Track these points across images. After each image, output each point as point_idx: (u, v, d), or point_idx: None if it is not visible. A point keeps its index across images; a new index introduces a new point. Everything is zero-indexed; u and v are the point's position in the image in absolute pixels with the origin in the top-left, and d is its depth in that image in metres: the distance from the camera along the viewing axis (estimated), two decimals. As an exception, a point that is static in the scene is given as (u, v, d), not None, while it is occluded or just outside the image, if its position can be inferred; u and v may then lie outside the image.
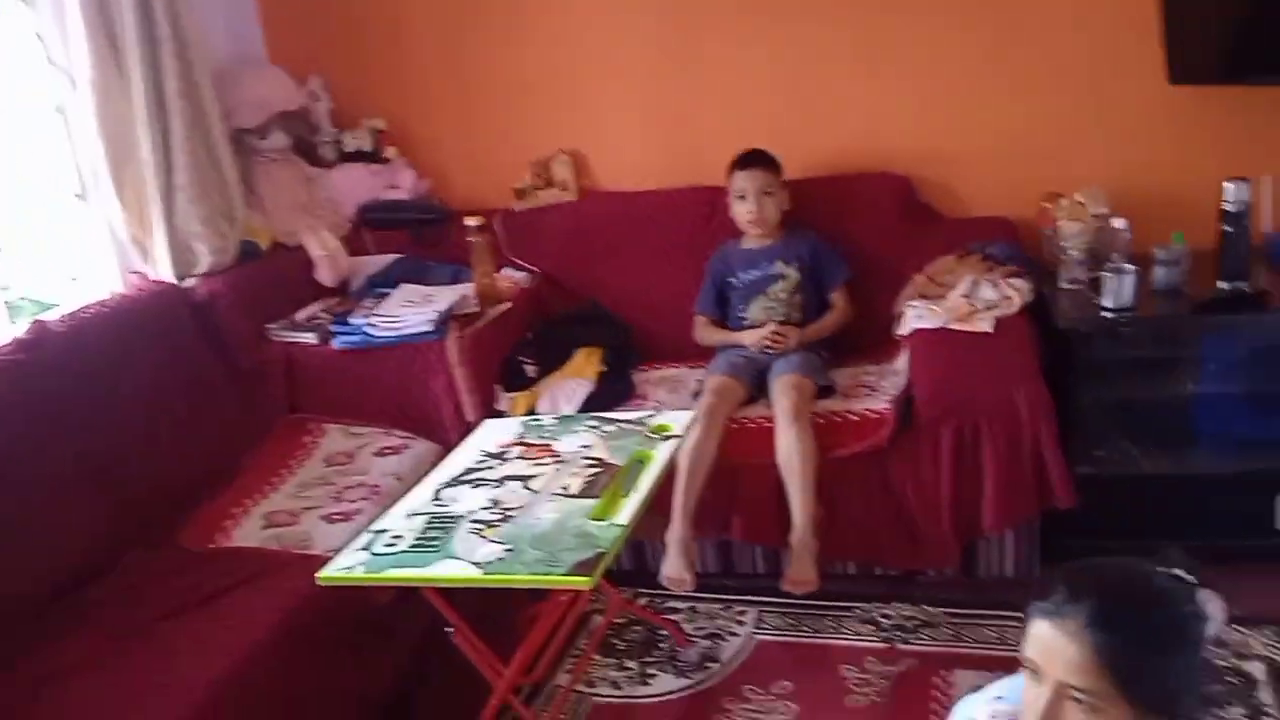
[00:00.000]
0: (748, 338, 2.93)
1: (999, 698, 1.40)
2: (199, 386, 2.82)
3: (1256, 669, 2.23)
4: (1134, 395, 2.88)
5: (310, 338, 2.99)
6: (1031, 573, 2.66)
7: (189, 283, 2.97)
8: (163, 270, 2.95)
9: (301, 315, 3.08)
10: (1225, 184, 2.62)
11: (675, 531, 2.64)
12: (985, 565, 2.70)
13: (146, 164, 2.84)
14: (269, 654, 2.04)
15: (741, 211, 3.00)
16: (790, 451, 2.59)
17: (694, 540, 2.68)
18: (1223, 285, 2.66)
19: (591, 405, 2.80)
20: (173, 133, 2.87)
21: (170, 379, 2.75)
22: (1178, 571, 1.31)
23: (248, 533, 2.45)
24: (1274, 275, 2.77)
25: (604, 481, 2.15)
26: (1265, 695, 2.16)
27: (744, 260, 3.05)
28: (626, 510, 2.03)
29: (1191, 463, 2.79)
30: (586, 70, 3.35)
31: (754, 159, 2.98)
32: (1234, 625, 2.38)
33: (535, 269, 3.33)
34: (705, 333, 3.11)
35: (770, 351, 2.87)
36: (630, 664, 2.53)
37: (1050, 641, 1.21)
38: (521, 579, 1.86)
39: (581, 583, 1.83)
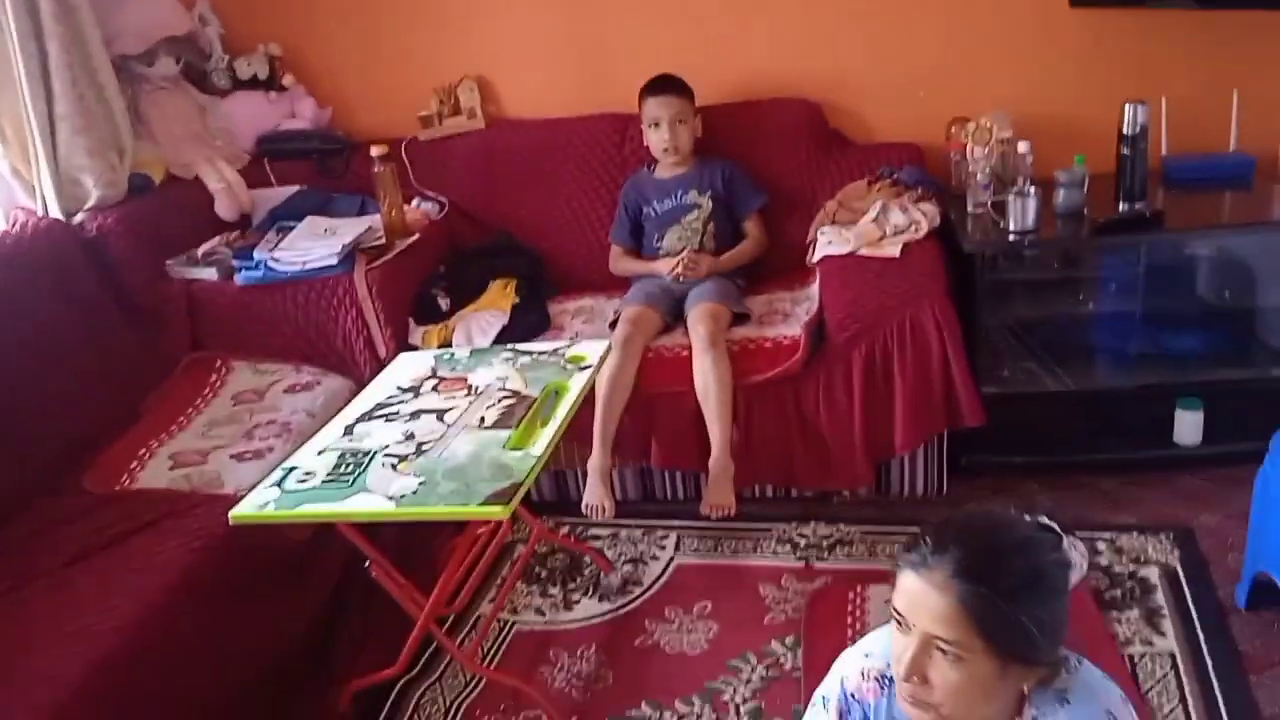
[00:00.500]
0: (662, 267, 2.93)
1: (867, 654, 1.42)
2: (95, 327, 2.70)
3: (1152, 573, 2.34)
4: (1038, 315, 2.98)
5: (211, 274, 2.89)
6: (941, 490, 2.74)
7: (78, 218, 2.84)
8: (50, 206, 2.81)
9: (201, 251, 2.96)
10: (1125, 106, 2.68)
11: (595, 460, 2.65)
12: (898, 484, 2.77)
13: (23, 92, 2.68)
14: (181, 597, 1.99)
15: (655, 140, 2.97)
16: (707, 378, 2.61)
17: (614, 468, 2.70)
18: (1122, 206, 2.72)
19: (506, 337, 2.77)
20: (51, 58, 2.71)
21: (63, 320, 2.63)
22: (1043, 520, 1.34)
23: (155, 474, 2.37)
24: (1171, 196, 2.85)
25: (519, 412, 2.14)
26: (1160, 598, 2.26)
27: (658, 190, 3.03)
28: (542, 440, 2.01)
29: (1093, 379, 2.91)
30: (493, -9, 3.26)
31: (666, 85, 2.94)
32: (1132, 531, 2.48)
33: (444, 199, 3.25)
34: (621, 263, 3.09)
35: (684, 279, 2.86)
36: (554, 591, 2.54)
37: (917, 593, 1.22)
38: (436, 511, 1.84)
39: (497, 513, 1.82)
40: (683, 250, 2.93)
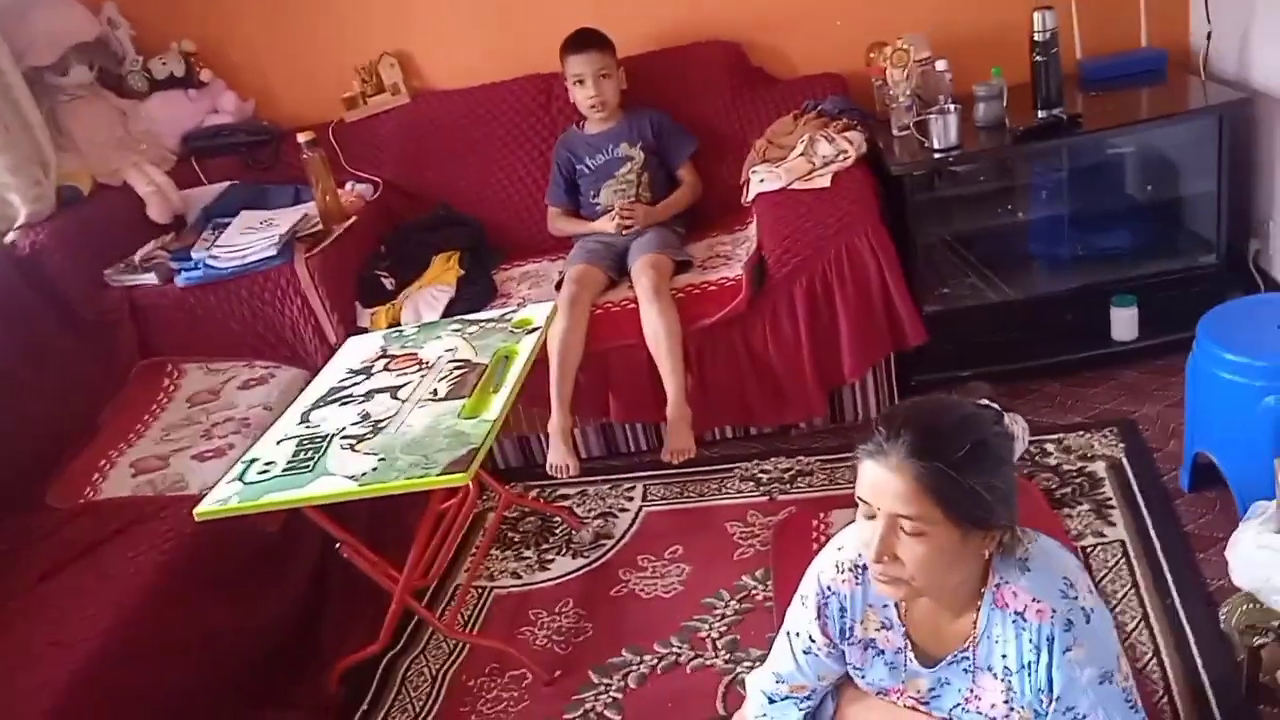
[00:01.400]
0: (601, 225, 2.95)
1: (840, 548, 1.51)
2: (40, 344, 2.70)
3: (1099, 468, 2.42)
4: (970, 229, 3.04)
5: (151, 279, 2.89)
6: (894, 410, 2.80)
7: (9, 238, 2.82)
8: (-22, 229, 2.79)
9: (138, 256, 2.95)
10: (1034, 13, 2.71)
11: (555, 421, 2.69)
12: (852, 410, 2.83)
13: (-64, 115, 2.66)
14: (158, 597, 2.03)
15: (581, 97, 2.98)
16: (655, 328, 2.64)
17: (574, 427, 2.74)
18: (1041, 114, 2.77)
19: (455, 310, 2.79)
20: (-41, 78, 2.68)
21: (7, 342, 2.62)
22: (984, 400, 1.42)
23: (117, 483, 2.39)
24: (1089, 98, 2.91)
25: (471, 381, 2.17)
26: (1108, 490, 2.35)
27: (588, 146, 3.04)
28: (495, 405, 2.05)
29: (1030, 286, 2.98)
30: (400, -37, 3.23)
31: (587, 40, 2.94)
32: (1078, 430, 2.56)
33: (377, 179, 3.25)
34: (560, 224, 3.11)
35: (626, 232, 2.89)
36: (528, 553, 2.59)
37: (877, 478, 1.31)
38: (397, 485, 1.87)
39: (457, 479, 1.86)
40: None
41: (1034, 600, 1.34)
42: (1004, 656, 1.39)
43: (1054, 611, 1.33)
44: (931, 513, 1.28)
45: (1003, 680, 1.40)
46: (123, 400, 2.72)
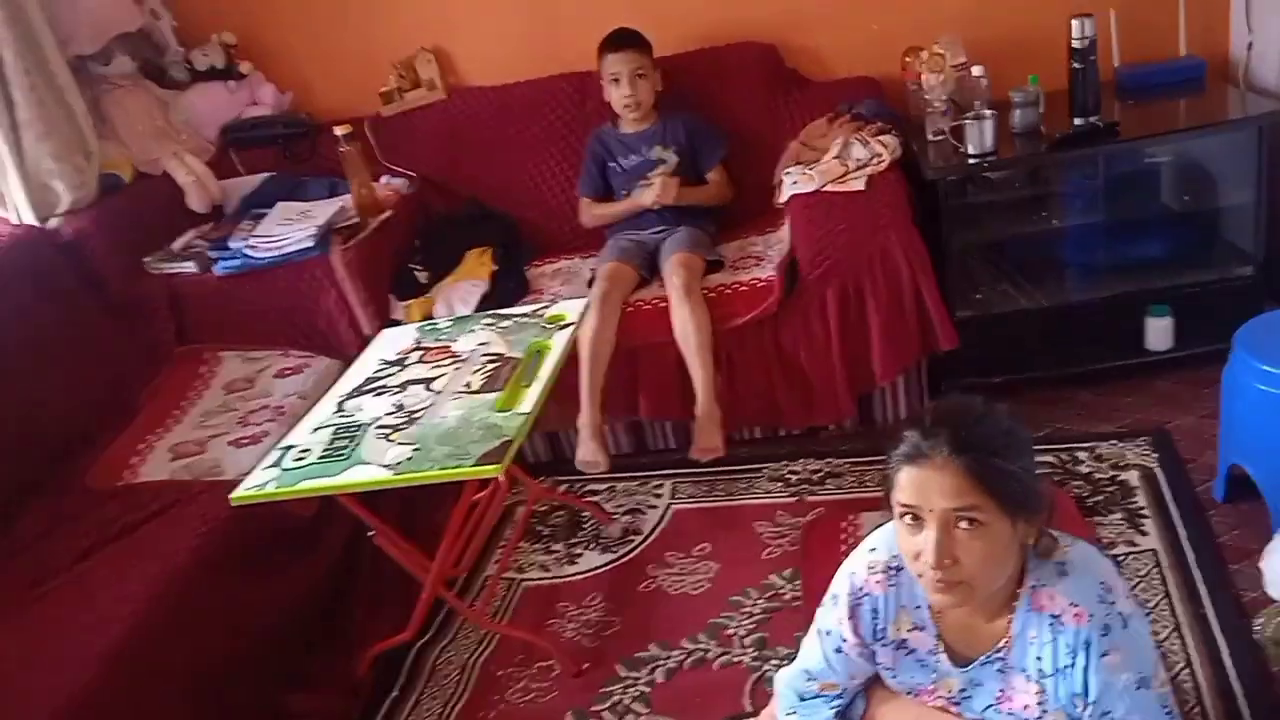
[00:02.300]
0: (642, 196, 2.94)
1: (872, 549, 1.50)
2: (81, 329, 2.74)
3: (1132, 477, 2.41)
4: (1004, 235, 3.04)
5: (190, 267, 2.92)
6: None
7: (53, 224, 2.86)
8: (23, 213, 2.83)
9: (177, 245, 2.99)
10: (1072, 20, 2.71)
11: (585, 417, 2.70)
12: (881, 414, 2.83)
13: (-17, 101, 2.70)
14: (193, 580, 2.06)
15: (617, 96, 2.99)
16: (686, 327, 2.65)
17: (604, 423, 2.75)
18: (1077, 121, 2.76)
19: (488, 305, 2.80)
20: (5, 65, 2.72)
21: (49, 325, 2.66)
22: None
23: (155, 467, 2.42)
24: (1126, 106, 2.90)
25: (505, 375, 2.19)
26: (1141, 499, 2.34)
27: (622, 146, 3.05)
28: (529, 399, 2.07)
29: (1063, 293, 2.96)
30: (439, -40, 3.26)
31: (624, 40, 2.95)
32: (1111, 439, 2.56)
33: (413, 174, 3.28)
34: (594, 210, 3.10)
35: (662, 202, 2.89)
36: (556, 547, 2.61)
37: (923, 480, 1.30)
38: (431, 474, 1.89)
39: (491, 471, 1.88)
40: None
41: (1071, 605, 1.34)
42: (1039, 659, 1.39)
43: (1091, 616, 1.33)
44: (985, 502, 1.28)
45: (1037, 683, 1.40)
46: (161, 385, 2.75)
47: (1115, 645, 1.33)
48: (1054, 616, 1.36)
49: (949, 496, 1.28)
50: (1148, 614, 1.99)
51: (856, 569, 1.51)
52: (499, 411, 2.04)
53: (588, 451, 2.69)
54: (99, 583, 2.04)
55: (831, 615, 1.53)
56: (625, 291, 2.79)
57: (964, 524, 1.29)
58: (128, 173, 3.08)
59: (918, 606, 1.47)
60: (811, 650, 1.57)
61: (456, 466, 1.89)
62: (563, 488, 2.82)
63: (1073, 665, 1.35)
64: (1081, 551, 1.40)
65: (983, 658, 1.44)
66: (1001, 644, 1.42)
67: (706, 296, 2.71)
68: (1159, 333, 2.78)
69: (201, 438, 2.50)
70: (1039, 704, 1.41)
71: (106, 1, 3.11)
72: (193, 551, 2.09)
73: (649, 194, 2.92)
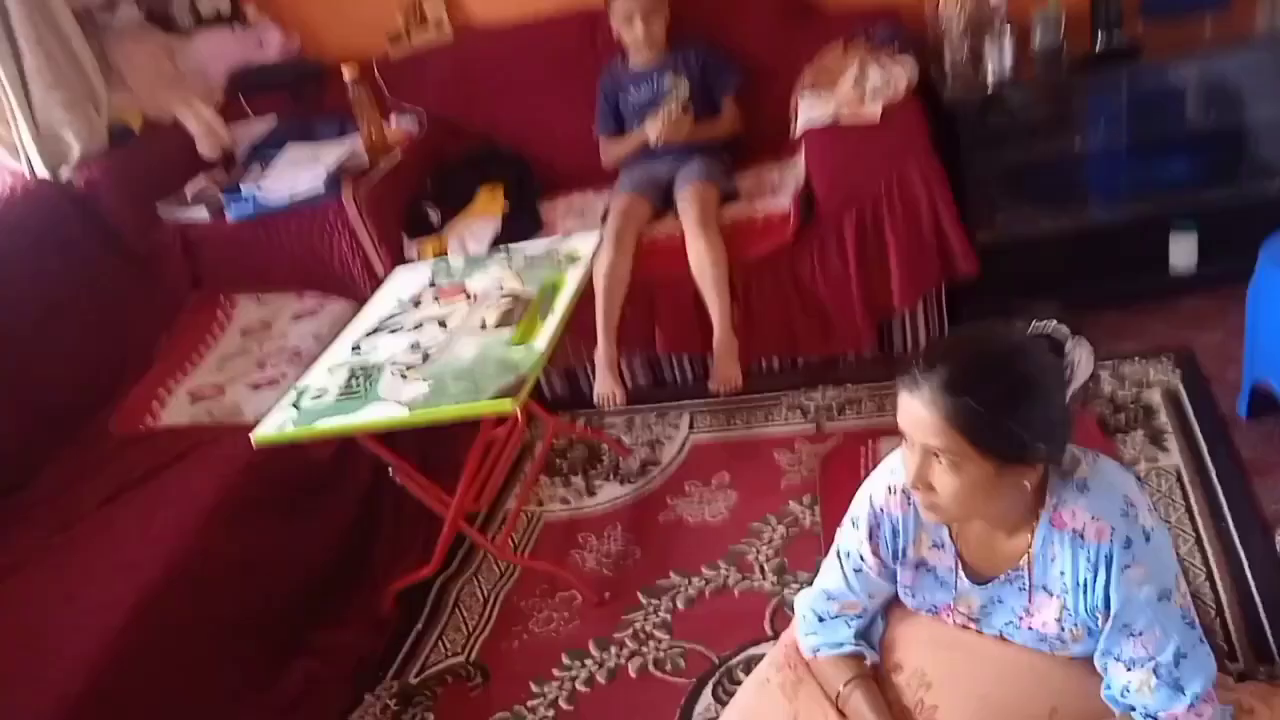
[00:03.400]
0: (647, 130, 2.89)
1: (892, 471, 1.50)
2: (96, 277, 2.76)
3: (1155, 395, 2.39)
4: (1025, 159, 2.96)
5: (202, 213, 2.92)
6: (943, 342, 2.78)
7: (65, 174, 2.86)
8: (35, 165, 2.84)
9: (189, 192, 2.99)
10: (1094, -66, 2.62)
11: (601, 351, 2.70)
12: (900, 341, 2.81)
13: (-10, 53, 2.69)
14: (217, 522, 2.08)
15: (630, 36, 2.93)
16: (701, 259, 2.63)
17: (620, 357, 2.74)
18: (1099, 41, 2.69)
19: (500, 242, 2.78)
20: (11, 15, 2.70)
21: (64, 274, 2.68)
22: (1049, 323, 1.37)
23: (176, 411, 2.44)
24: (1149, 24, 2.81)
25: (519, 311, 2.18)
26: (1163, 418, 2.32)
27: (634, 79, 3.01)
28: (544, 334, 2.06)
29: (1087, 216, 2.90)
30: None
31: None
32: (1135, 357, 2.53)
33: (422, 114, 3.25)
34: (611, 149, 3.08)
35: (670, 143, 2.84)
36: (576, 480, 2.62)
37: (911, 410, 1.29)
38: (449, 411, 1.89)
39: (507, 405, 1.88)
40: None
41: (1093, 519, 1.33)
42: (1061, 574, 1.38)
43: (1113, 530, 1.32)
44: (962, 448, 1.26)
45: (1058, 598, 1.40)
46: (178, 330, 2.77)
47: (1137, 558, 1.32)
48: (1075, 532, 1.34)
49: (929, 434, 1.27)
50: (1169, 528, 1.99)
51: (875, 490, 1.51)
52: (514, 347, 2.04)
53: (605, 385, 2.69)
54: (125, 527, 2.08)
55: (852, 537, 1.53)
56: (640, 225, 2.77)
57: (941, 460, 1.28)
58: (137, 121, 3.07)
59: (937, 526, 1.46)
60: (832, 572, 1.58)
61: (472, 403, 1.89)
62: (580, 422, 2.83)
63: (1094, 579, 1.34)
64: (1102, 468, 1.38)
65: (1003, 575, 1.43)
66: (1021, 561, 1.41)
67: (722, 228, 2.69)
68: (1183, 251, 2.73)
69: (220, 381, 2.52)
70: (1058, 620, 1.40)
71: (109, -52, 3.10)
72: (216, 495, 2.11)
73: (653, 128, 2.88)
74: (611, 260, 2.65)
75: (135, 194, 2.92)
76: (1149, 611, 1.32)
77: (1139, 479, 1.41)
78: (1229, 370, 2.40)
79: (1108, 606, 1.34)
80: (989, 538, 1.44)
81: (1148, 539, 1.32)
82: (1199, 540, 1.95)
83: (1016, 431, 1.26)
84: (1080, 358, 1.34)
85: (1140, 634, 1.33)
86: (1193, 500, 2.05)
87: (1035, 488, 1.35)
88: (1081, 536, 1.34)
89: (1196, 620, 1.37)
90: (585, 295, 2.45)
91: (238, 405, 2.41)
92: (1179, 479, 2.12)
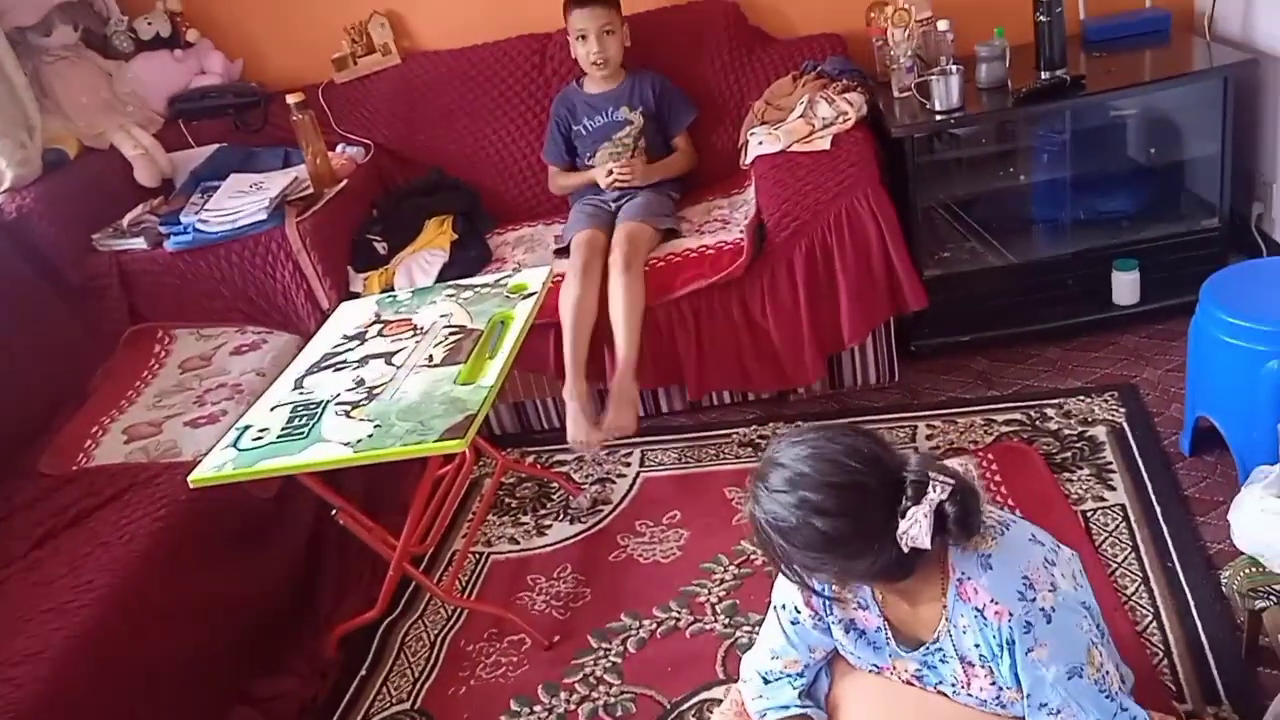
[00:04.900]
0: (597, 175, 2.90)
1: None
2: (28, 310, 2.66)
3: (1100, 432, 2.40)
4: (971, 192, 3.02)
5: (140, 243, 2.84)
6: (893, 377, 2.79)
7: (-4, 201, 2.77)
8: (-37, 192, 2.75)
9: (126, 221, 2.90)
10: (1037, -28, 2.67)
11: (570, 387, 2.61)
12: (850, 376, 2.81)
13: (-82, 77, 2.60)
14: (152, 567, 2.00)
15: (583, 53, 2.91)
16: (617, 299, 2.60)
17: (590, 393, 2.65)
18: (1043, 75, 2.73)
19: (449, 275, 2.75)
20: (-59, 39, 2.62)
21: (-6, 307, 2.59)
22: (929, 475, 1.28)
23: (110, 450, 2.36)
24: (1092, 59, 2.87)
25: (467, 347, 2.14)
26: (1109, 454, 2.33)
27: (588, 107, 2.99)
28: (492, 371, 2.02)
29: (1031, 250, 2.95)
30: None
31: None
32: (1079, 395, 2.55)
33: (368, 142, 3.20)
34: (559, 179, 3.07)
35: (621, 186, 2.84)
36: (525, 519, 2.58)
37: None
38: (394, 451, 1.85)
39: (454, 446, 1.84)
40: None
41: (992, 600, 1.31)
42: (976, 646, 1.36)
43: (1011, 615, 1.29)
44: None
45: (983, 666, 1.38)
46: (114, 366, 2.69)
47: (1040, 640, 1.30)
48: (977, 610, 1.32)
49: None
50: (1114, 569, 2.00)
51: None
52: (462, 385, 2.00)
53: (579, 429, 2.59)
54: (55, 571, 1.99)
55: (785, 588, 1.50)
56: (602, 256, 2.73)
57: None
58: (72, 147, 2.98)
59: (860, 586, 1.44)
60: (771, 628, 1.56)
61: (419, 443, 1.85)
62: (530, 459, 2.79)
63: (1000, 658, 1.33)
64: (1010, 541, 1.35)
65: (927, 644, 1.41)
66: (938, 630, 1.39)
67: (670, 261, 2.67)
68: (1126, 287, 2.77)
69: (157, 419, 2.44)
70: (993, 684, 1.39)
71: (44, -30, 3.01)
72: (151, 537, 2.04)
73: (604, 175, 2.88)
74: (578, 294, 2.62)
75: (70, 223, 2.83)
76: (1060, 690, 1.31)
77: (1052, 540, 1.38)
78: (1172, 406, 2.44)
79: (1019, 685, 1.34)
80: (908, 605, 1.42)
81: (1049, 619, 1.30)
82: (1145, 580, 1.97)
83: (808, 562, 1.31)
84: (918, 519, 1.23)
85: (1057, 712, 1.33)
86: (1139, 539, 2.07)
87: (934, 558, 1.32)
88: (983, 615, 1.32)
89: (1116, 688, 1.35)
90: (535, 328, 2.40)
91: (175, 443, 2.34)
92: (1125, 516, 2.13)
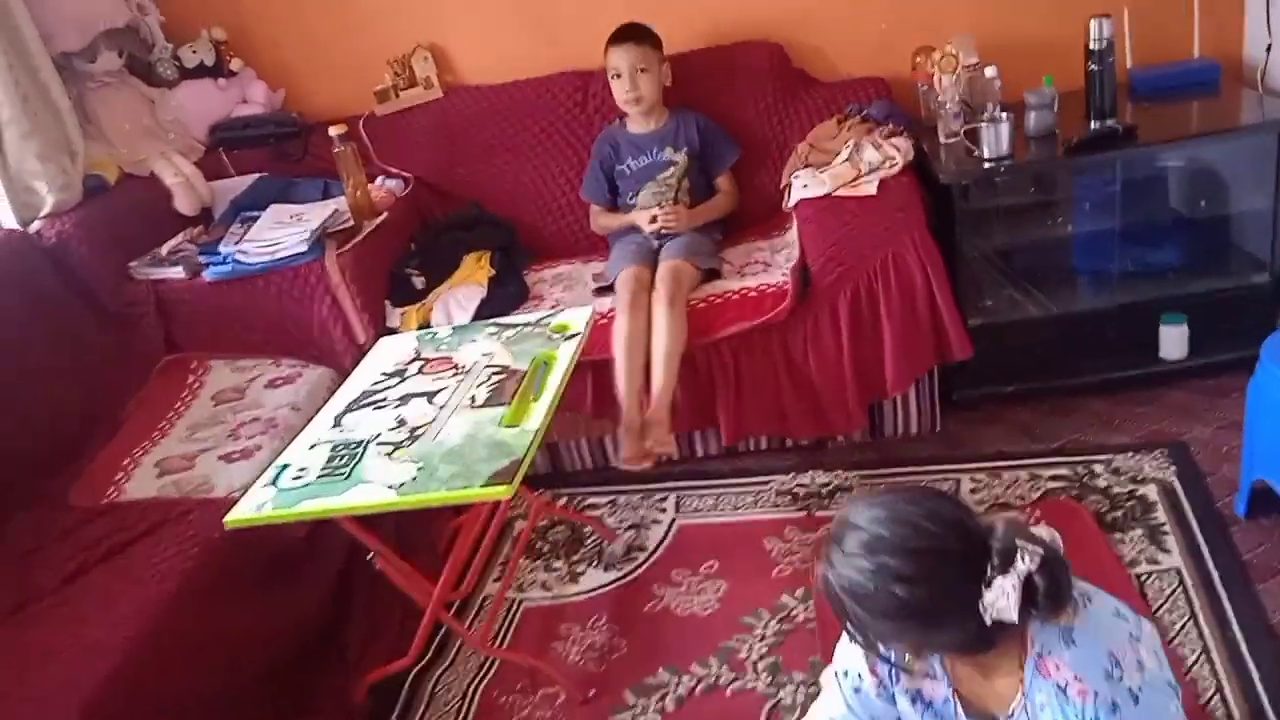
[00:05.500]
0: (640, 219, 2.89)
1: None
2: (65, 336, 2.64)
3: (1151, 491, 2.35)
4: (1017, 241, 2.97)
5: (178, 272, 2.83)
6: (935, 427, 2.74)
7: (35, 227, 2.76)
8: (4, 216, 2.74)
9: (165, 249, 2.89)
10: (1090, 21, 2.64)
11: (628, 419, 2.57)
12: (891, 425, 2.76)
13: (-36, 101, 2.60)
14: (185, 604, 1.96)
15: (618, 90, 2.91)
16: (660, 335, 2.58)
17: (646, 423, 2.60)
18: (1093, 124, 2.70)
19: (486, 311, 2.72)
20: (-11, 62, 2.62)
21: (31, 331, 2.57)
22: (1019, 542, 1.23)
23: (142, 483, 2.33)
24: (1140, 109, 2.84)
25: (510, 388, 2.10)
26: (1161, 515, 2.27)
27: (632, 146, 2.98)
28: (537, 415, 1.99)
29: (1076, 301, 2.90)
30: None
31: (625, 34, 2.87)
32: (1127, 451, 2.49)
33: (409, 175, 3.19)
34: (601, 219, 3.06)
35: (665, 232, 2.82)
36: (558, 564, 2.53)
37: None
38: (439, 497, 1.81)
39: (501, 493, 1.79)
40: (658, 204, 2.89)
41: (1075, 678, 1.24)
42: None
43: (1096, 694, 1.22)
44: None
45: None
46: (147, 396, 2.66)
47: None
48: (1059, 687, 1.25)
49: None
50: (1173, 637, 1.94)
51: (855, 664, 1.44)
52: (506, 427, 1.96)
53: (633, 450, 2.56)
54: (87, 607, 1.95)
55: (849, 654, 1.45)
56: (647, 290, 2.70)
57: None
58: (113, 174, 2.98)
59: (930, 655, 1.39)
60: (831, 696, 1.50)
61: (465, 488, 1.81)
62: (562, 502, 2.74)
63: None
64: (1095, 614, 1.29)
65: (999, 718, 1.36)
66: (1013, 706, 1.33)
67: (711, 303, 2.64)
68: (1174, 341, 2.72)
69: (190, 452, 2.41)
70: None
71: (92, -3, 3.02)
72: (184, 574, 2.00)
73: (647, 220, 2.86)
74: (629, 328, 2.60)
75: (108, 250, 2.82)
76: None
77: (1134, 613, 1.33)
78: (1223, 466, 2.37)
79: None
80: (982, 677, 1.35)
81: (1136, 700, 1.23)
82: (1205, 650, 1.90)
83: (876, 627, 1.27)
84: (1006, 591, 1.18)
85: None
86: (1196, 606, 2.00)
87: (1015, 631, 1.25)
88: (1065, 693, 1.25)
89: None
90: (574, 370, 2.36)
91: (208, 479, 2.30)
92: (1181, 582, 2.07)
